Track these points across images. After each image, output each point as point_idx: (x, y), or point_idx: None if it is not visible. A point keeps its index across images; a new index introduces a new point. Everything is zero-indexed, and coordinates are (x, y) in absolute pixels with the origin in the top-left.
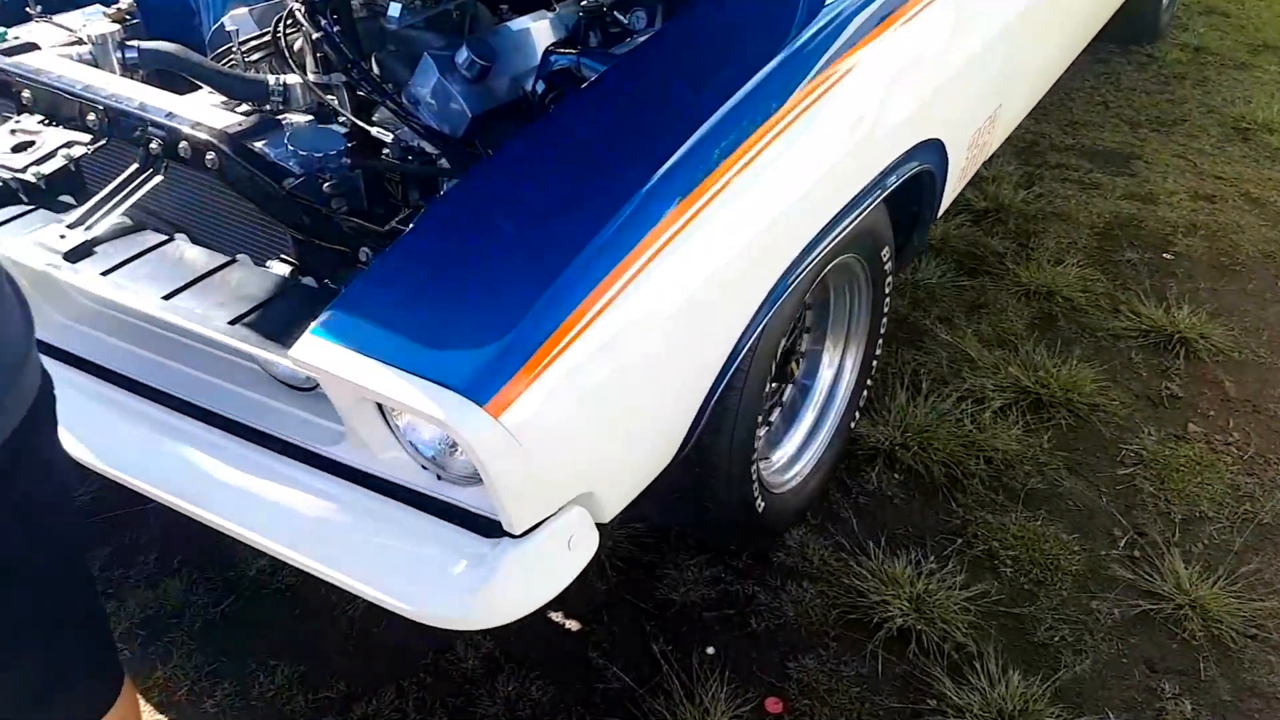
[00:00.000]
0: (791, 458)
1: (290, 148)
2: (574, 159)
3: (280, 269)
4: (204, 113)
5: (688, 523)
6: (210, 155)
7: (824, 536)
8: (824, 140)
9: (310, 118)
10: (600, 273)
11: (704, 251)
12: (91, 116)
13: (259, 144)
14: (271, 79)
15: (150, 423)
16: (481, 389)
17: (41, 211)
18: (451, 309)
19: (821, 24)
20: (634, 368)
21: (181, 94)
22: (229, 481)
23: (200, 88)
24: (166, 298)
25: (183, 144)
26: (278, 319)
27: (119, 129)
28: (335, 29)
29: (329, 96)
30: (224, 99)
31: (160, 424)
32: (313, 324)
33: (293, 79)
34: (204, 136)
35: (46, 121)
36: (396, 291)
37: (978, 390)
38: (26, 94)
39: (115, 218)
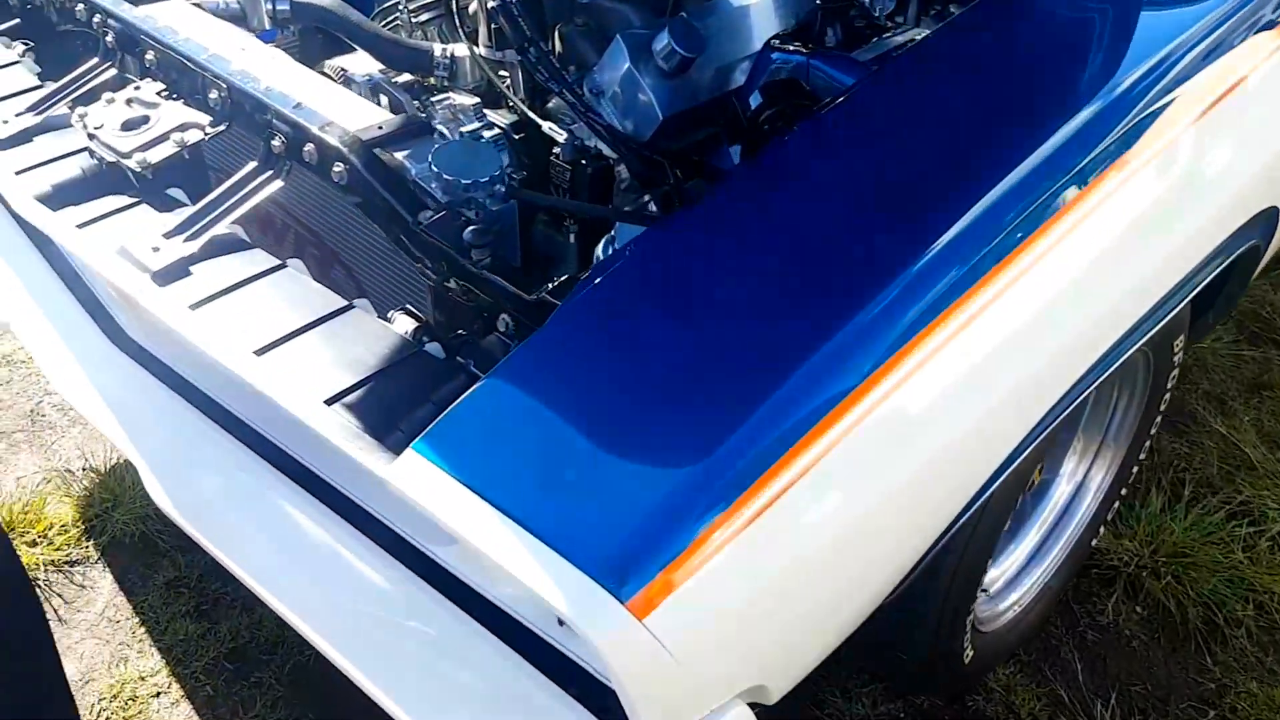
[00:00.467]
0: (1011, 580)
1: (434, 168)
2: (794, 237)
3: (403, 325)
4: (340, 108)
5: (870, 667)
6: (338, 166)
7: (1038, 682)
8: (1148, 221)
9: (476, 101)
10: (818, 408)
11: (958, 379)
12: (214, 95)
13: (401, 154)
14: (438, 48)
15: (231, 472)
16: (625, 575)
17: (143, 206)
18: (602, 441)
19: (1154, 62)
20: (842, 534)
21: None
22: (305, 566)
23: (354, 50)
24: (260, 352)
25: (309, 146)
26: (387, 400)
27: (241, 116)
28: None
29: (501, 74)
30: (382, 71)
31: (242, 475)
32: (421, 434)
33: (461, 50)
34: (332, 141)
35: (166, 93)
36: (532, 404)
37: (1255, 505)
38: (150, 56)
39: (223, 228)
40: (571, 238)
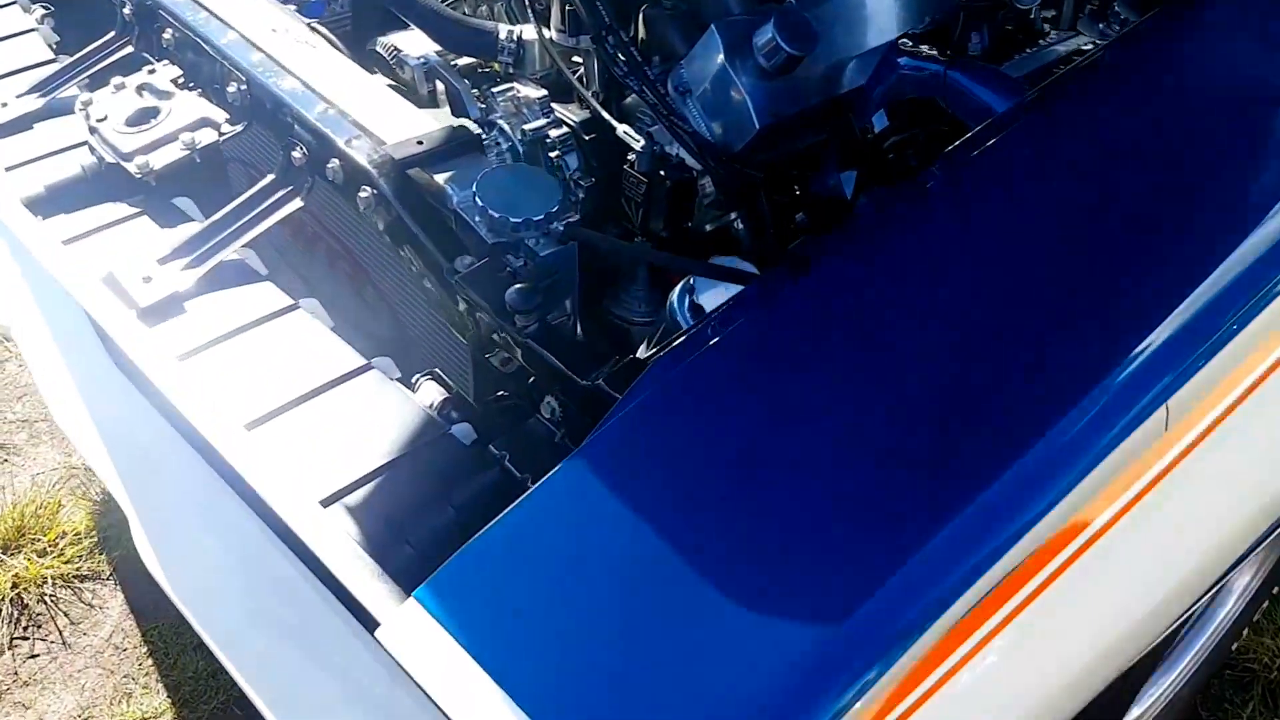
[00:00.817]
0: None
1: (478, 200)
2: (946, 331)
3: (429, 394)
4: (378, 114)
5: None
6: (364, 191)
7: None
8: None
9: (543, 93)
10: (940, 616)
11: (1162, 523)
12: (233, 88)
13: (442, 177)
14: (504, 30)
15: (242, 551)
16: None
17: (144, 218)
18: (679, 608)
19: None
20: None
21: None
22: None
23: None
24: (253, 425)
25: (333, 162)
26: (399, 500)
27: (262, 115)
28: None
29: (575, 59)
30: (440, 53)
31: (255, 558)
32: (426, 580)
33: (529, 33)
34: (359, 159)
35: (183, 80)
36: (580, 551)
37: None
38: (168, 35)
39: (231, 253)
40: (640, 282)
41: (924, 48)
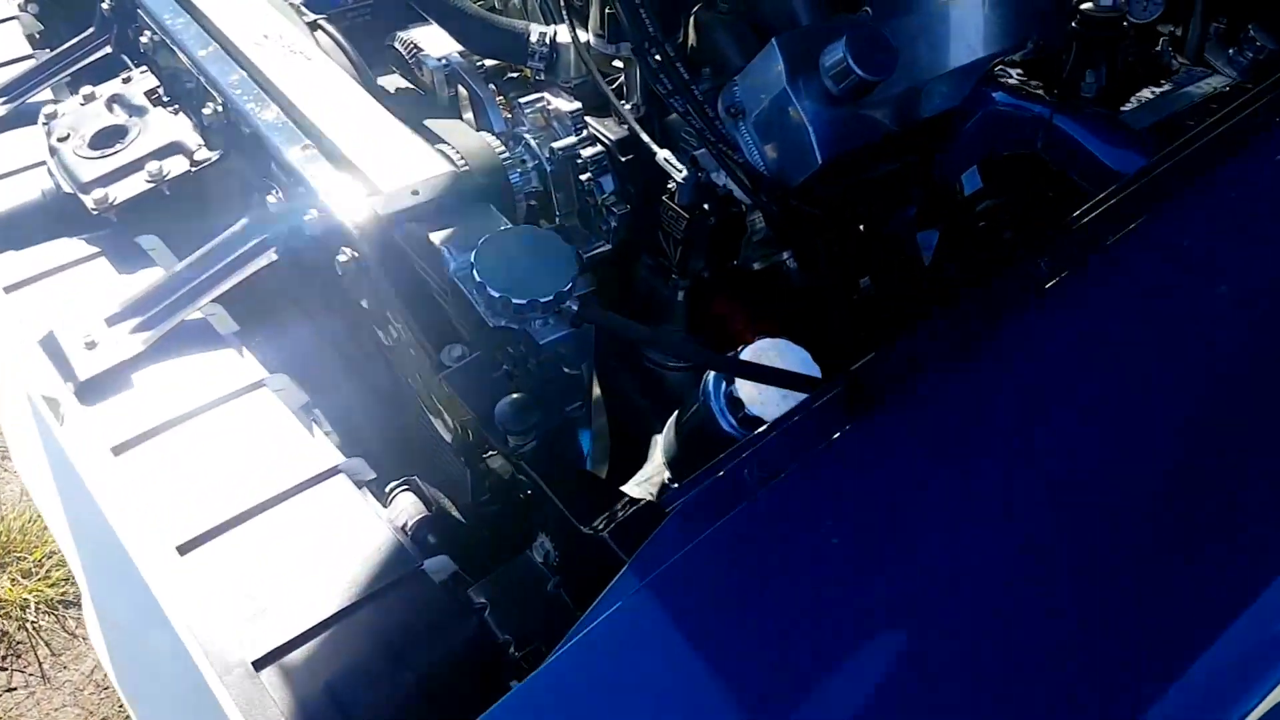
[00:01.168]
0: None
1: (477, 274)
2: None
3: (402, 511)
4: (372, 154)
5: None
6: (344, 254)
7: None
8: None
9: (575, 106)
10: None
11: None
12: (209, 110)
13: (440, 237)
14: (535, 31)
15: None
16: None
17: (103, 259)
18: None
19: None
20: None
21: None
22: None
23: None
24: (185, 549)
25: (311, 213)
26: (349, 663)
27: (238, 145)
28: None
29: (615, 66)
30: (463, 54)
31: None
32: None
33: (564, 36)
34: (339, 215)
35: (160, 94)
36: None
37: None
38: (146, 39)
39: (195, 310)
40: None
41: (1021, 75)
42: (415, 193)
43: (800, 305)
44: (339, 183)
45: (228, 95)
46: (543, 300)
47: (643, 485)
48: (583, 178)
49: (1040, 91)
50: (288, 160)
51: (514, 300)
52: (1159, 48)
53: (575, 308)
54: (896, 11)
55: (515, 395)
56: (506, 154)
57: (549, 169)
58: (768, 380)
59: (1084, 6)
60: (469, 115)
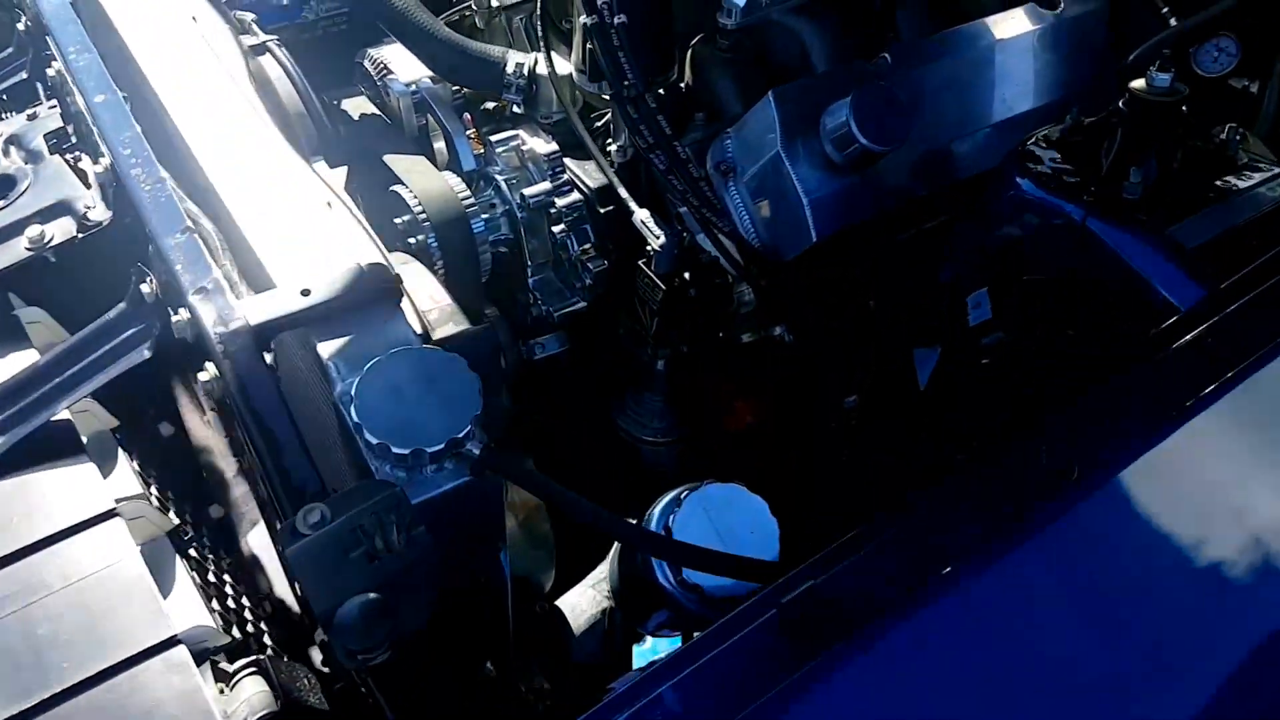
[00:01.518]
0: None
1: (352, 411)
2: None
3: (245, 700)
4: (273, 241)
5: None
6: (207, 373)
7: None
8: None
9: (552, 149)
10: None
11: None
12: (100, 168)
13: (330, 349)
14: (512, 60)
15: None
16: None
17: None
18: None
19: None
20: None
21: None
22: None
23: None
24: None
25: (179, 316)
26: None
27: (126, 213)
28: (620, 19)
29: (605, 99)
30: (434, 79)
31: None
32: None
33: (543, 67)
34: (204, 321)
35: (59, 140)
36: None
37: None
38: (53, 71)
39: (62, 408)
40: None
41: (1056, 160)
42: (306, 292)
43: (793, 372)
44: (212, 279)
45: (115, 155)
46: (430, 450)
47: (587, 592)
48: (556, 230)
49: (1075, 180)
50: (165, 247)
51: (394, 449)
52: (1224, 135)
53: (477, 450)
54: (921, 59)
55: (365, 597)
56: (470, 198)
57: (520, 216)
58: (708, 569)
59: (1134, 85)
60: (440, 144)
